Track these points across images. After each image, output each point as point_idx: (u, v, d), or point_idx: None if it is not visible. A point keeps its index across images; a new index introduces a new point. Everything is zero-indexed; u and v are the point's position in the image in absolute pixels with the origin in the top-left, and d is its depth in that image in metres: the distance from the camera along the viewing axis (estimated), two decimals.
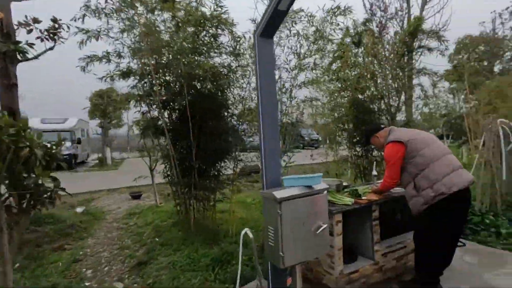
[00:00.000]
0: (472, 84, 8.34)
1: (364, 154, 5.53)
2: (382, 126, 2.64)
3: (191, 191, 3.92)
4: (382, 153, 2.57)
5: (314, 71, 3.73)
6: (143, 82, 3.80)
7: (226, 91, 3.77)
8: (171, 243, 3.83)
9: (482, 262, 2.97)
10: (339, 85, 5.85)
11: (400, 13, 7.59)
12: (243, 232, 2.28)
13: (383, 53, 5.61)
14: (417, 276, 2.41)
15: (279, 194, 1.83)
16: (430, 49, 5.04)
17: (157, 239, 4.10)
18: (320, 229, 1.94)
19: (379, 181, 3.10)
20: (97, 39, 4.04)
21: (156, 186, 6.43)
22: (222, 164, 4.20)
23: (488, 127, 3.84)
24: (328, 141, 7.17)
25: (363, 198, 2.51)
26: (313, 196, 1.95)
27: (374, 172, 2.97)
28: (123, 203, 7.32)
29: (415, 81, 5.48)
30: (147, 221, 5.02)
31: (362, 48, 5.86)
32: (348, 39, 5.88)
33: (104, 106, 14.97)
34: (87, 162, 18.37)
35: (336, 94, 6.02)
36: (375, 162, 3.19)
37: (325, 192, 2.01)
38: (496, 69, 17.77)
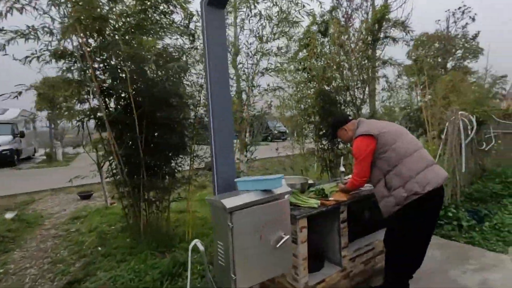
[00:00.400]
0: (430, 78, 8.59)
1: (330, 148, 5.37)
2: (350, 117, 2.37)
3: (140, 191, 3.42)
4: (350, 147, 2.32)
5: (278, 57, 3.38)
6: (77, 65, 3.17)
7: (179, 77, 3.28)
8: (116, 253, 3.32)
9: (447, 258, 2.89)
10: (306, 75, 5.60)
11: (365, 4, 7.52)
12: (192, 244, 1.90)
13: (349, 43, 5.45)
14: (387, 280, 2.21)
15: (229, 202, 1.45)
16: (395, 40, 4.95)
17: (99, 249, 3.55)
18: (282, 241, 1.61)
19: (348, 177, 2.87)
20: (21, 12, 3.31)
21: (108, 184, 5.74)
22: (179, 160, 3.73)
23: (451, 118, 3.80)
24: (295, 134, 6.97)
25: (330, 198, 2.23)
26: (272, 203, 1.61)
27: (342, 168, 2.72)
28: (69, 205, 6.51)
29: (379, 73, 5.40)
30: (92, 227, 4.40)
31: (329, 37, 5.65)
32: (314, 27, 5.64)
33: (51, 95, 13.40)
34: (33, 158, 16.52)
35: (302, 85, 5.77)
36: (342, 157, 2.94)
37: (287, 196, 1.68)
38: (449, 65, 18.94)
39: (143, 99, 3.10)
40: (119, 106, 3.31)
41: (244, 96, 3.23)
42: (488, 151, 6.35)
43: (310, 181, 2.76)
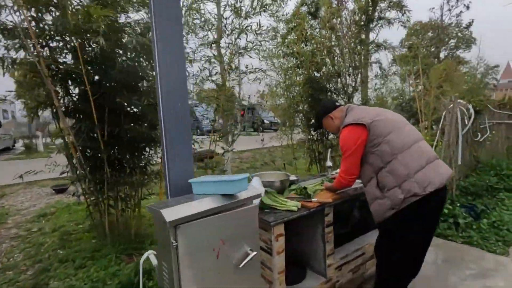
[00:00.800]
0: (424, 67, 8.29)
1: (320, 138, 5.04)
2: (337, 103, 2.00)
3: (103, 188, 3.03)
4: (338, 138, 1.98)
5: (259, 35, 2.98)
6: (20, 43, 2.70)
7: (142, 56, 2.84)
8: (77, 257, 2.94)
9: (445, 261, 2.61)
10: (294, 61, 5.21)
11: None
12: (144, 256, 1.54)
13: (341, 27, 5.05)
14: None
15: (172, 213, 1.09)
16: (390, 21, 4.57)
17: (60, 252, 3.17)
18: (247, 259, 1.26)
19: (335, 172, 2.54)
20: None
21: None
22: (149, 152, 3.34)
23: (449, 106, 3.49)
24: (286, 124, 6.58)
25: (313, 199, 1.88)
26: (235, 211, 1.25)
27: (329, 163, 2.37)
28: (41, 200, 6.07)
29: (373, 58, 5.05)
30: (57, 225, 4.01)
31: (319, 19, 5.24)
32: (304, 8, 5.21)
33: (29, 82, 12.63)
34: (13, 149, 15.80)
35: (291, 71, 5.38)
36: (330, 149, 2.59)
37: (256, 201, 1.32)
38: (442, 55, 18.73)
39: (101, 82, 2.67)
40: (73, 92, 2.87)
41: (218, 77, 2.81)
42: (482, 142, 6.12)
43: (292, 177, 2.41)
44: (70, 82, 2.82)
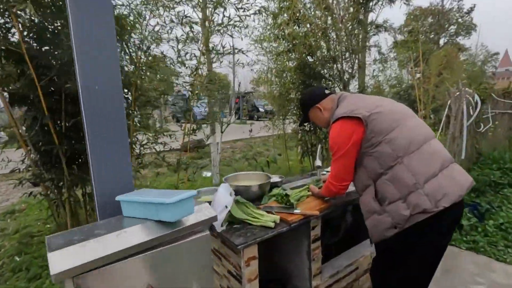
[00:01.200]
0: (424, 53, 7.88)
1: (312, 129, 4.67)
2: (327, 91, 1.61)
3: (61, 187, 2.66)
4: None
5: (241, 10, 2.54)
6: None
7: None
8: (33, 265, 2.59)
9: (446, 272, 2.30)
10: (285, 44, 4.76)
11: None
12: None
13: (337, 6, 4.60)
14: None
15: (64, 259, 0.71)
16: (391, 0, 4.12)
17: (17, 259, 2.81)
18: None
19: (326, 172, 2.18)
20: None
21: None
22: None
23: (455, 94, 3.11)
24: (276, 113, 6.18)
25: (295, 211, 1.52)
26: (171, 246, 0.88)
27: (318, 162, 2.00)
28: (16, 193, 5.65)
29: (371, 41, 4.61)
30: (22, 225, 3.64)
31: None
32: None
33: None
34: None
35: (282, 56, 4.93)
36: (319, 146, 2.22)
37: (206, 233, 0.95)
38: (442, 42, 18.24)
39: (48, 64, 2.23)
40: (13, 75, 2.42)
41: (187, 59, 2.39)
42: (484, 133, 5.81)
43: (274, 178, 2.05)
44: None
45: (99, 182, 1.06)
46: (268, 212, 1.54)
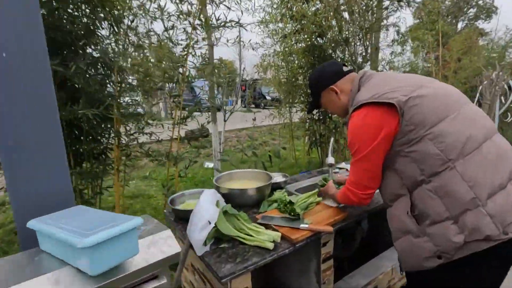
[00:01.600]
0: (444, 36, 7.28)
1: (321, 117, 4.29)
2: (346, 68, 1.23)
3: None
4: (345, 125, 1.22)
5: None
6: None
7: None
8: None
9: None
10: (293, 24, 4.33)
11: None
12: None
13: None
14: None
15: None
16: None
17: None
18: None
19: (340, 170, 1.83)
20: None
21: None
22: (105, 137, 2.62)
23: (489, 79, 2.67)
24: (289, 100, 5.73)
25: (302, 225, 1.18)
26: None
27: (330, 159, 1.64)
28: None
29: (389, 20, 4.12)
30: (11, 218, 3.41)
31: None
32: None
33: None
34: None
35: (292, 38, 4.50)
36: (331, 139, 1.84)
37: (162, 281, 0.61)
38: (459, 26, 17.26)
39: None
40: None
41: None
42: (510, 124, 5.33)
43: (277, 178, 1.71)
44: None
45: (17, 197, 0.73)
46: (266, 226, 1.20)
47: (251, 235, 1.09)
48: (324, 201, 1.43)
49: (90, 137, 2.55)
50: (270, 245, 1.05)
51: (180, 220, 1.33)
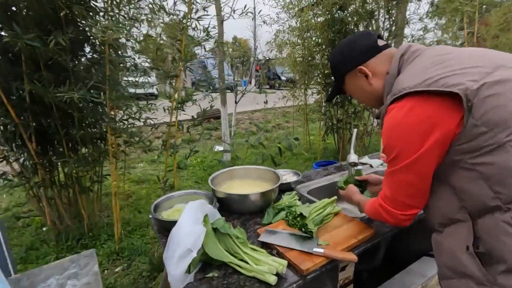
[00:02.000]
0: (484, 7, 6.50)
1: (340, 101, 3.90)
2: (381, 42, 0.90)
3: (26, 170, 2.22)
4: (377, 119, 0.90)
5: None
6: None
7: None
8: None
9: None
10: None
11: None
12: None
13: None
14: None
15: None
16: None
17: None
18: None
19: (362, 168, 1.53)
20: None
21: None
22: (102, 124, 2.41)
23: None
24: (304, 81, 5.29)
25: (316, 250, 0.91)
26: None
27: (352, 157, 1.33)
28: None
29: None
30: (15, 202, 3.35)
31: None
32: None
33: None
34: None
35: (309, 12, 4.05)
36: (355, 131, 1.52)
37: None
38: None
39: None
40: None
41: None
42: None
43: (287, 176, 1.44)
44: None
45: None
46: (269, 250, 0.94)
47: (250, 267, 0.83)
48: (343, 204, 1.16)
49: (86, 123, 2.35)
50: (272, 280, 0.80)
51: (166, 232, 1.10)
